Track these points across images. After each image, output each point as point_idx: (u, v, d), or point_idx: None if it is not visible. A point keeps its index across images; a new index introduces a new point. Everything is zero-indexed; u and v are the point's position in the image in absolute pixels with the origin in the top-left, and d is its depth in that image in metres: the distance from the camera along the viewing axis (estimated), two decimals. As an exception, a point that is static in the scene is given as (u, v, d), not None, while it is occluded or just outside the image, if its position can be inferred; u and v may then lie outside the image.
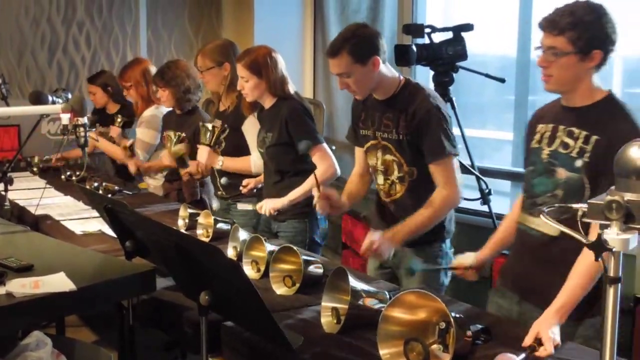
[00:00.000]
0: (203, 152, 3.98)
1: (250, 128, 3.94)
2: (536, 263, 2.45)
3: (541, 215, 1.75)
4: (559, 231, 2.25)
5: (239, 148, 3.97)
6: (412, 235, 2.98)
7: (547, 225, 2.28)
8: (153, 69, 4.84)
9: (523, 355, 2.01)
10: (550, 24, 2.30)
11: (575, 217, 1.59)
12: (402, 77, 3.05)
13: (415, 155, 2.97)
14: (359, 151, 3.25)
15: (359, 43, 2.91)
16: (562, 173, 2.37)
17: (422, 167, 2.98)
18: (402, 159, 3.01)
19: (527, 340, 2.10)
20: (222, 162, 3.95)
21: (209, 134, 3.95)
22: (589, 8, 2.29)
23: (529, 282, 2.48)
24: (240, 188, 3.88)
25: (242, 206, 3.88)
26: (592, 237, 1.53)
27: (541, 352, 2.05)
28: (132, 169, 4.80)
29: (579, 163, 2.32)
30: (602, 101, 2.35)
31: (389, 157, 3.05)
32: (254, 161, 3.91)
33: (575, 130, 2.35)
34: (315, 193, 3.12)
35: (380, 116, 3.05)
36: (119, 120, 5.10)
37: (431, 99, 2.96)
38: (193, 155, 4.31)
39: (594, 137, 2.29)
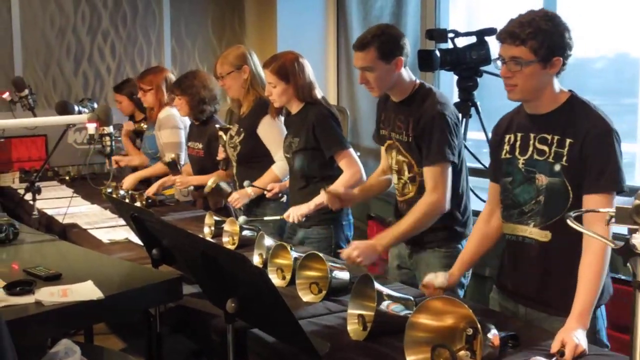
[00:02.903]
0: (236, 195, 3.99)
1: (267, 130, 3.95)
2: (535, 270, 2.46)
3: (567, 220, 1.74)
4: (550, 237, 2.39)
5: (254, 151, 3.98)
6: (396, 242, 3.08)
7: (539, 232, 2.41)
8: (173, 79, 4.90)
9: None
10: (511, 35, 2.35)
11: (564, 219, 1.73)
12: (417, 81, 3.13)
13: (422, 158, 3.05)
14: (383, 150, 3.31)
15: (387, 41, 3.02)
16: (542, 179, 2.40)
17: None
18: (412, 160, 3.08)
19: (554, 347, 2.11)
20: (252, 190, 3.93)
21: (223, 187, 4.07)
22: (546, 17, 2.35)
23: (531, 290, 2.48)
24: (265, 192, 3.88)
25: (268, 219, 3.87)
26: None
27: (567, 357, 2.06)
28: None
29: (557, 167, 2.37)
30: (567, 103, 2.41)
31: (400, 157, 3.13)
32: (279, 167, 3.91)
33: (547, 136, 2.40)
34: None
35: (394, 117, 3.14)
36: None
37: (438, 105, 3.01)
38: (207, 165, 4.48)
39: (568, 140, 2.35)
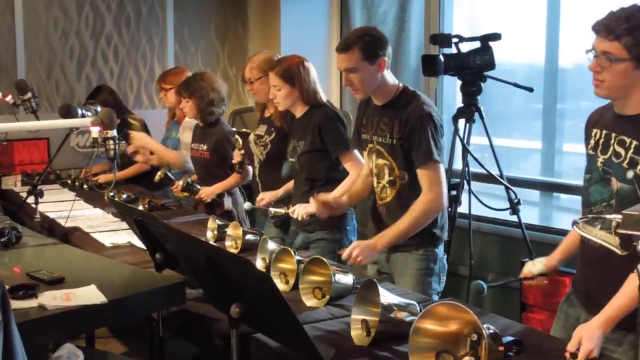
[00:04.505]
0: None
1: None
2: (596, 273, 2.36)
3: (574, 227, 1.73)
4: (617, 242, 2.23)
5: (283, 151, 3.95)
6: (395, 241, 3.08)
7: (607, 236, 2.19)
8: None
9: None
10: (606, 28, 2.21)
11: None
12: (400, 84, 3.16)
13: (407, 160, 3.08)
14: (365, 153, 3.33)
15: (370, 42, 3.06)
16: (615, 183, 2.27)
17: (412, 171, 3.07)
18: (394, 163, 3.11)
19: (572, 345, 2.06)
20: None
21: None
22: None
23: (591, 292, 2.37)
24: (256, 203, 3.90)
25: (274, 209, 3.85)
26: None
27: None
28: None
29: (630, 174, 2.23)
30: None
31: (381, 161, 3.15)
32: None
33: (626, 139, 2.26)
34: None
35: (378, 121, 3.16)
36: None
37: (425, 106, 3.06)
38: (213, 167, 4.49)
39: None
